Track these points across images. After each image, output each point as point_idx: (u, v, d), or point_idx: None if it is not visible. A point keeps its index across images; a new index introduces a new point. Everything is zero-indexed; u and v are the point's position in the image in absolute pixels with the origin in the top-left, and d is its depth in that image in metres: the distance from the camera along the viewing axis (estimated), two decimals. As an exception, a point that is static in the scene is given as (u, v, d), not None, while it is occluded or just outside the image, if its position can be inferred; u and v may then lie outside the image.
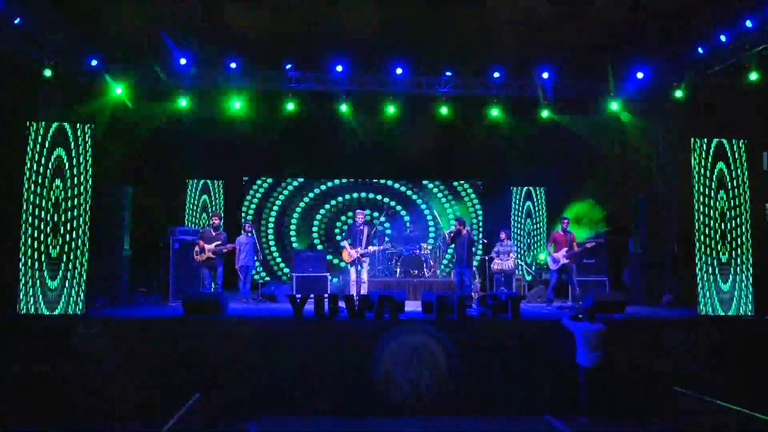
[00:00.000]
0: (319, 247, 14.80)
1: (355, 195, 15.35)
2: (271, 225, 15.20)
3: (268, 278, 12.22)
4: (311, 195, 15.30)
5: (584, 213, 12.91)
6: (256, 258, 11.61)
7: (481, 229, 15.14)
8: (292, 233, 15.20)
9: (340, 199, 15.32)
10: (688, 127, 12.12)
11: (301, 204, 15.27)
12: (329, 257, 13.83)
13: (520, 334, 8.69)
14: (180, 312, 9.02)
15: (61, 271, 8.64)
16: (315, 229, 15.23)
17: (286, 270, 14.69)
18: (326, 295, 9.15)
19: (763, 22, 10.29)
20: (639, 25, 11.21)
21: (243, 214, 14.76)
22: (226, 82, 12.63)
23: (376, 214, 14.69)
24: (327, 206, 15.30)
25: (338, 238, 15.03)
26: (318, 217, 15.27)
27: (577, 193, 14.07)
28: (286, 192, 15.26)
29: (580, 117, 14.01)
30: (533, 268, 13.91)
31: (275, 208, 15.21)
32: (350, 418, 8.13)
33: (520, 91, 13.20)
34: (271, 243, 15.14)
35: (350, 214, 14.68)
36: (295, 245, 14.95)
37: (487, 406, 8.38)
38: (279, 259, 15.08)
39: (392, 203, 15.29)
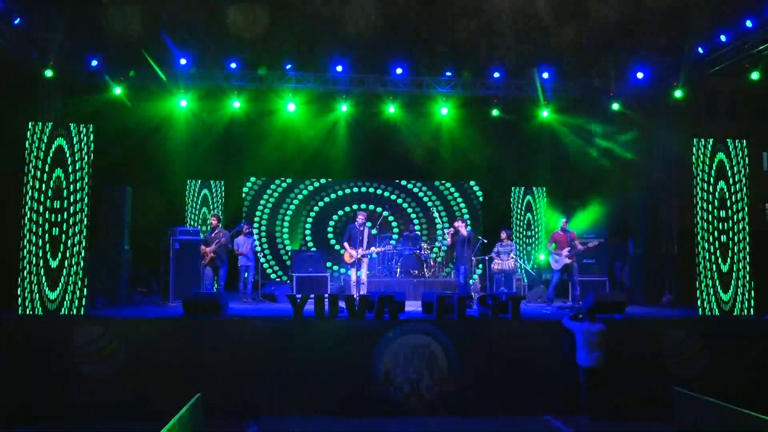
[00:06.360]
0: (314, 248, 14.73)
1: (355, 194, 15.32)
2: (270, 225, 15.15)
3: (261, 281, 12.24)
4: (305, 194, 15.18)
5: None
6: (255, 258, 11.61)
7: (481, 229, 15.11)
8: (288, 233, 15.16)
9: (335, 197, 15.28)
10: (688, 127, 12.14)
11: (296, 203, 15.18)
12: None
13: (520, 334, 8.69)
14: (180, 312, 9.01)
15: (63, 273, 8.61)
16: (308, 228, 15.19)
17: (280, 273, 14.71)
18: (326, 295, 9.14)
19: (763, 22, 10.30)
20: (639, 25, 11.22)
21: (243, 215, 14.73)
22: (226, 82, 12.63)
23: (379, 209, 14.68)
24: (321, 205, 15.22)
25: (329, 236, 15.03)
26: (315, 216, 15.23)
27: (577, 192, 14.08)
28: (280, 191, 15.19)
29: (580, 117, 14.02)
30: (532, 269, 13.88)
31: (273, 208, 15.16)
32: (350, 418, 8.13)
33: (520, 91, 13.21)
34: (267, 245, 15.10)
35: (346, 212, 14.71)
36: (288, 246, 14.91)
37: (487, 406, 8.37)
38: (273, 261, 15.05)
39: (391, 204, 15.27)
